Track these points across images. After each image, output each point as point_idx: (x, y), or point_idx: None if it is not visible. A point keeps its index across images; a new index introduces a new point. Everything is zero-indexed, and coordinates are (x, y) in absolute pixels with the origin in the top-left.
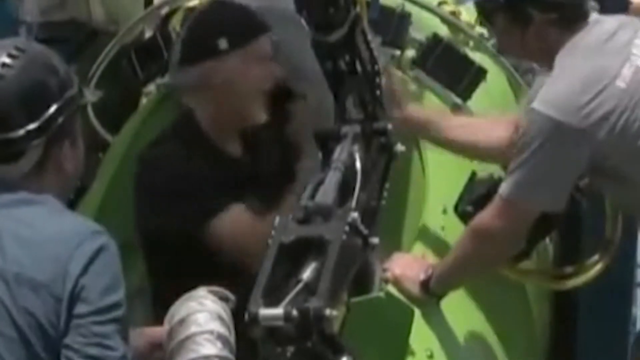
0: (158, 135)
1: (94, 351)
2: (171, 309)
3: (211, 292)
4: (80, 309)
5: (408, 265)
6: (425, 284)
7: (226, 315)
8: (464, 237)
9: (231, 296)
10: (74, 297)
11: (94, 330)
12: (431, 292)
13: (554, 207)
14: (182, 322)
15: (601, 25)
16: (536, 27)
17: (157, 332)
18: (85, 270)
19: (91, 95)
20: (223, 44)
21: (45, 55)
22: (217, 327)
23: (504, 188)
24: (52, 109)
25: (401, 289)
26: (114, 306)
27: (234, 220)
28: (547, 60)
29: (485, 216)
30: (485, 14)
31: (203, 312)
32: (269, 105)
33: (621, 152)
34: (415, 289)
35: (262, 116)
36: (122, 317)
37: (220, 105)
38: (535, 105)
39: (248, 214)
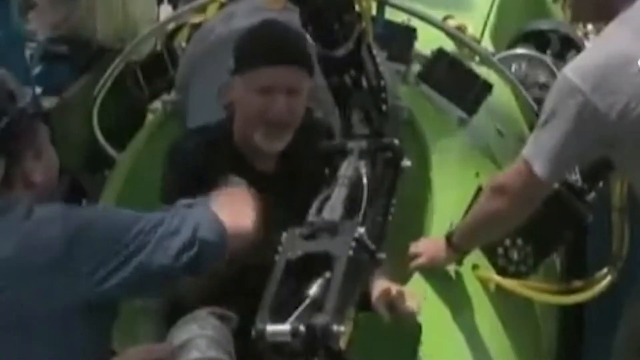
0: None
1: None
2: (172, 329)
3: (212, 314)
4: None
5: (428, 244)
6: (449, 242)
7: (226, 339)
8: (483, 192)
9: (233, 315)
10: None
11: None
12: (454, 247)
13: (548, 178)
14: (184, 346)
15: None
16: None
17: (157, 349)
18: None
19: (48, 102)
20: (232, 64)
21: None
22: (217, 354)
23: (526, 146)
24: (2, 124)
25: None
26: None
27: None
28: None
29: (506, 172)
30: None
31: (204, 338)
32: (277, 135)
33: (629, 142)
34: (442, 253)
35: (265, 144)
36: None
37: (237, 122)
38: (566, 67)
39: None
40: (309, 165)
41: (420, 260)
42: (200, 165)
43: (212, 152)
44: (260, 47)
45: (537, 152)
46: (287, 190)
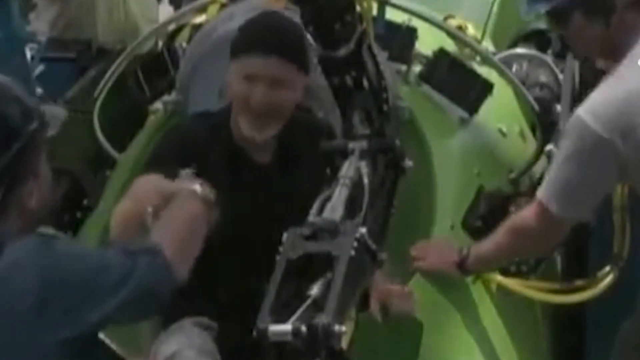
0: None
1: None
2: (158, 341)
3: (196, 324)
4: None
5: (437, 252)
6: (461, 265)
7: (213, 349)
8: (502, 231)
9: (214, 325)
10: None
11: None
12: (465, 272)
13: (566, 215)
14: (173, 357)
15: None
16: (619, 15)
17: None
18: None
19: (52, 130)
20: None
21: (6, 87)
22: None
23: (540, 188)
24: (14, 149)
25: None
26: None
27: None
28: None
29: (523, 214)
30: (558, 19)
31: (193, 349)
32: (260, 125)
33: None
34: (451, 270)
35: (249, 131)
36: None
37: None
38: (579, 108)
39: None
40: (306, 159)
41: (426, 265)
42: (199, 145)
43: (211, 137)
44: (252, 35)
45: (553, 192)
46: (282, 181)
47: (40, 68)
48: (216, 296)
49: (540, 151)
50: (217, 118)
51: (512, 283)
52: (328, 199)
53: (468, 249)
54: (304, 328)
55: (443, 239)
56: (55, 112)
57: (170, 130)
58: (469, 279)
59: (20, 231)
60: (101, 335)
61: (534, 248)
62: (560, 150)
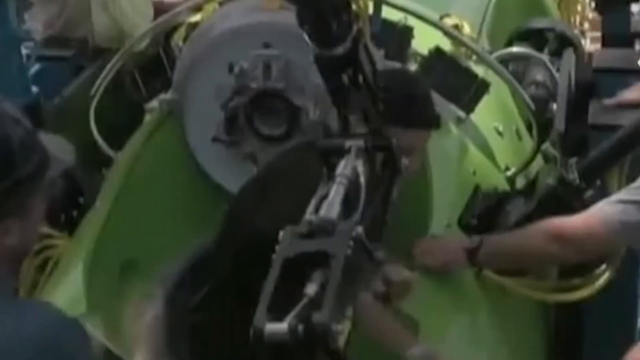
0: None
1: None
2: None
3: None
4: None
5: (443, 247)
6: (471, 255)
7: None
8: (535, 231)
9: None
10: None
11: None
12: (476, 264)
13: (619, 242)
14: None
15: None
16: None
17: None
18: None
19: (54, 172)
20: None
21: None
22: None
23: (607, 208)
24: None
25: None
26: None
27: None
28: None
29: (570, 221)
30: None
31: None
32: None
33: None
34: (459, 263)
35: None
36: None
37: None
38: None
39: None
40: None
41: (431, 262)
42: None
43: None
44: None
45: (624, 223)
46: None
47: (36, 67)
48: None
49: (536, 150)
50: None
51: (508, 282)
52: (325, 197)
53: (480, 239)
54: (300, 327)
55: (448, 236)
56: (61, 156)
57: None
58: (467, 277)
59: (2, 270)
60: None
61: (568, 256)
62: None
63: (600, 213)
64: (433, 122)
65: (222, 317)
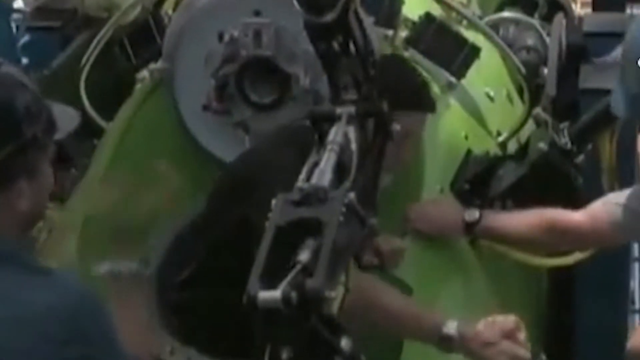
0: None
1: None
2: None
3: None
4: None
5: (439, 213)
6: (469, 228)
7: None
8: (538, 223)
9: None
10: None
11: None
12: (473, 235)
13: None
14: None
15: None
16: None
17: None
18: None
19: (61, 134)
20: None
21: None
22: None
23: (609, 205)
24: (8, 148)
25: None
26: None
27: None
28: None
29: (575, 216)
30: None
31: None
32: None
33: None
34: (455, 232)
35: None
36: None
37: None
38: None
39: None
40: None
41: (427, 228)
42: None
43: None
44: None
45: (622, 221)
46: None
47: (25, 38)
48: None
49: (527, 115)
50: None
51: (502, 246)
52: (316, 164)
53: (480, 213)
54: (294, 294)
55: (444, 200)
56: (68, 116)
57: None
58: (461, 241)
59: (12, 235)
60: None
61: (567, 247)
62: None
63: (604, 215)
64: (428, 106)
65: (211, 293)
